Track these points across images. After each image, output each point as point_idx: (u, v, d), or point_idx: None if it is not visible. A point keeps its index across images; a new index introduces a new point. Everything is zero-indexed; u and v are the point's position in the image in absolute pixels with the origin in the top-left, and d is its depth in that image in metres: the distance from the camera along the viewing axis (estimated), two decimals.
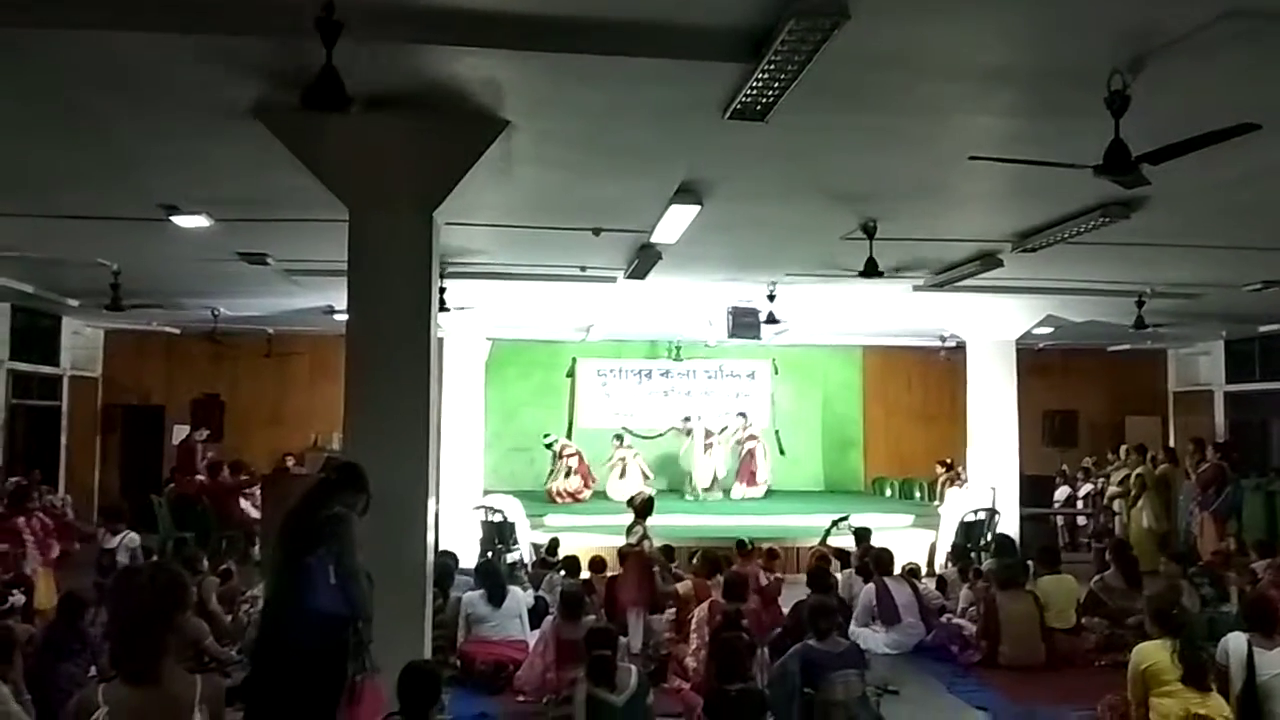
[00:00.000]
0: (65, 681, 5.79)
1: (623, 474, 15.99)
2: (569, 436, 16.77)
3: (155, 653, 2.38)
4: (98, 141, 5.74)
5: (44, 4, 3.90)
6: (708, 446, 16.28)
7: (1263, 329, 13.88)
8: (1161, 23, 3.88)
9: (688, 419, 16.65)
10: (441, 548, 8.49)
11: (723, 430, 16.58)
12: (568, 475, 15.84)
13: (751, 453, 16.49)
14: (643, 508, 8.50)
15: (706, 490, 16.01)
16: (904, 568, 9.56)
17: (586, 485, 16.03)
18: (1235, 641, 5.67)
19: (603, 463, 16.28)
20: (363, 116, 4.58)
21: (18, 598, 7.37)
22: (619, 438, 16.52)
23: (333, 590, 4.67)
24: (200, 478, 13.22)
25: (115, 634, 2.52)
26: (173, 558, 10.41)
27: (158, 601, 2.42)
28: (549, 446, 16.17)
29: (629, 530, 8.43)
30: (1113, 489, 14.11)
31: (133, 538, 9.18)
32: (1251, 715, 5.45)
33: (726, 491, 16.21)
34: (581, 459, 16.12)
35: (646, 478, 16.02)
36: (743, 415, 16.93)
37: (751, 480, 16.37)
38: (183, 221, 7.41)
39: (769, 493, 16.36)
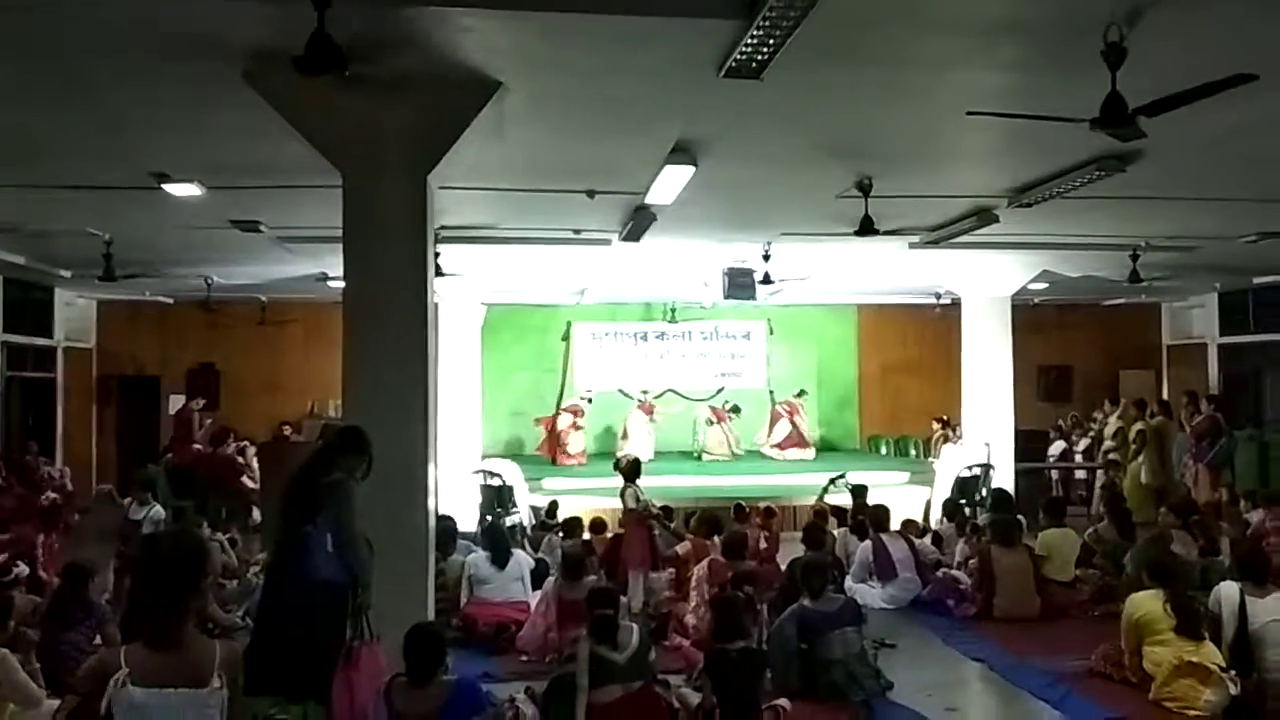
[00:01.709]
0: (71, 650, 5.84)
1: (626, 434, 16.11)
2: (561, 401, 16.78)
3: (177, 618, 2.43)
4: (87, 109, 5.69)
5: None
6: (714, 422, 16.42)
7: (1256, 281, 13.91)
8: None
9: (726, 403, 16.83)
10: (440, 512, 8.54)
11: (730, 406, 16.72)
12: (573, 429, 15.91)
13: (794, 421, 16.66)
14: (629, 470, 8.55)
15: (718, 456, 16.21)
16: (902, 523, 9.66)
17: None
18: (1227, 590, 5.75)
19: (600, 429, 16.37)
20: (355, 81, 4.53)
21: (21, 568, 7.41)
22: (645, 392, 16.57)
23: (330, 557, 4.70)
24: (197, 446, 13.26)
25: (138, 599, 2.58)
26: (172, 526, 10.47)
27: (181, 568, 2.47)
28: (589, 401, 16.41)
29: (622, 494, 8.49)
30: (1108, 443, 14.22)
31: (159, 510, 9.15)
32: (1244, 662, 5.55)
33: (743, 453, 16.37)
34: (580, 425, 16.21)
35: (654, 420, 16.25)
36: (804, 392, 17.01)
37: (802, 443, 16.55)
38: (174, 190, 7.36)
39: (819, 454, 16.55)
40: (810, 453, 16.51)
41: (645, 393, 16.65)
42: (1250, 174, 7.38)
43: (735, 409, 16.73)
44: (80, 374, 15.50)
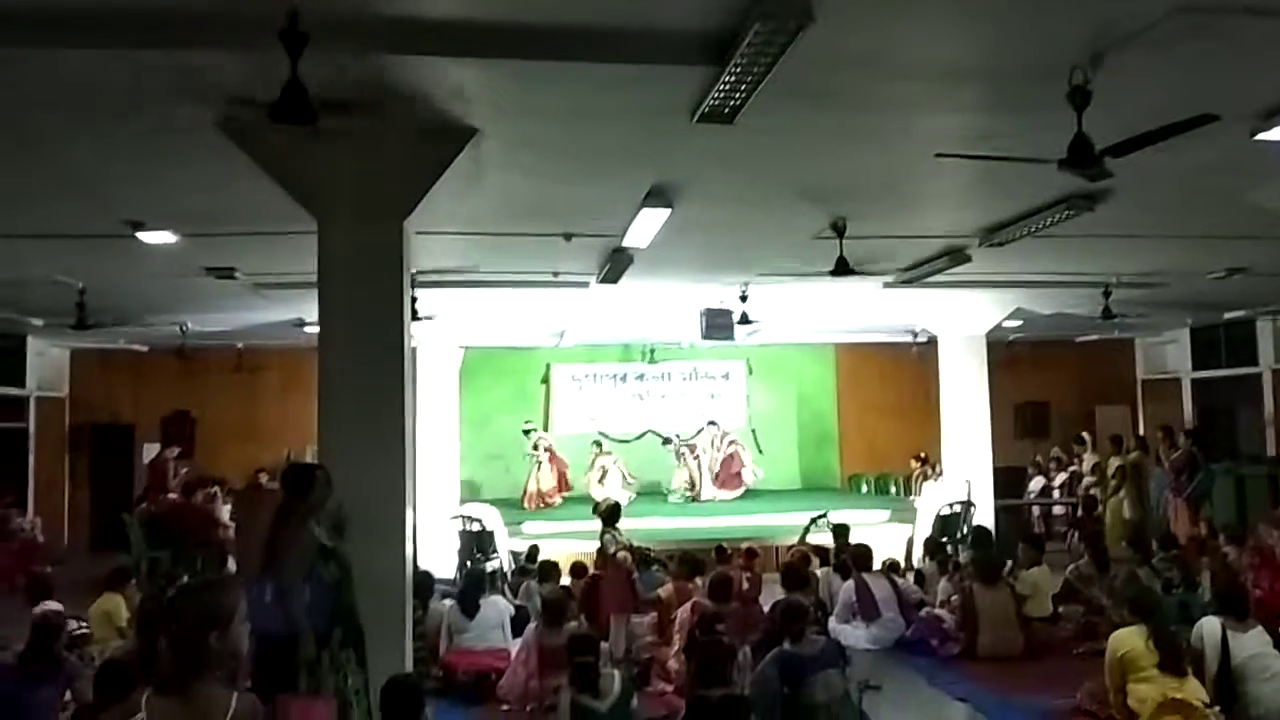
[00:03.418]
0: (39, 707, 5.70)
1: (602, 479, 15.88)
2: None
3: (185, 668, 2.51)
4: (61, 159, 5.66)
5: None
6: (682, 456, 16.37)
7: (1227, 316, 14.09)
8: (1119, 17, 3.94)
9: (668, 441, 16.71)
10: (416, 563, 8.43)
11: (693, 437, 16.61)
12: (539, 467, 15.78)
13: (731, 456, 16.53)
14: (608, 514, 8.51)
15: (689, 495, 16.10)
16: (884, 563, 9.63)
17: (561, 487, 15.97)
18: (1209, 625, 5.75)
19: (583, 471, 16.27)
20: (330, 128, 4.55)
21: None
22: (598, 444, 16.46)
23: (267, 609, 4.52)
24: (173, 496, 13.08)
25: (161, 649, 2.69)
26: (147, 577, 10.31)
27: (190, 618, 2.56)
28: (527, 434, 16.14)
29: (601, 538, 8.45)
30: (1088, 479, 14.28)
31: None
32: (1227, 697, 5.53)
33: (695, 499, 16.25)
34: (554, 454, 16.07)
35: (629, 482, 15.98)
36: (714, 424, 16.84)
37: (735, 483, 16.36)
38: (149, 238, 7.33)
39: (747, 493, 16.36)
40: (738, 491, 16.27)
41: (600, 437, 16.41)
42: (1217, 211, 7.50)
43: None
44: (53, 423, 15.29)
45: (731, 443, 16.62)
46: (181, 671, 2.50)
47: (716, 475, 16.37)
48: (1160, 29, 3.95)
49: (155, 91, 4.54)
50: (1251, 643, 5.62)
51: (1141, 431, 15.69)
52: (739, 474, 16.43)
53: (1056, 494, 15.49)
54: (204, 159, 5.41)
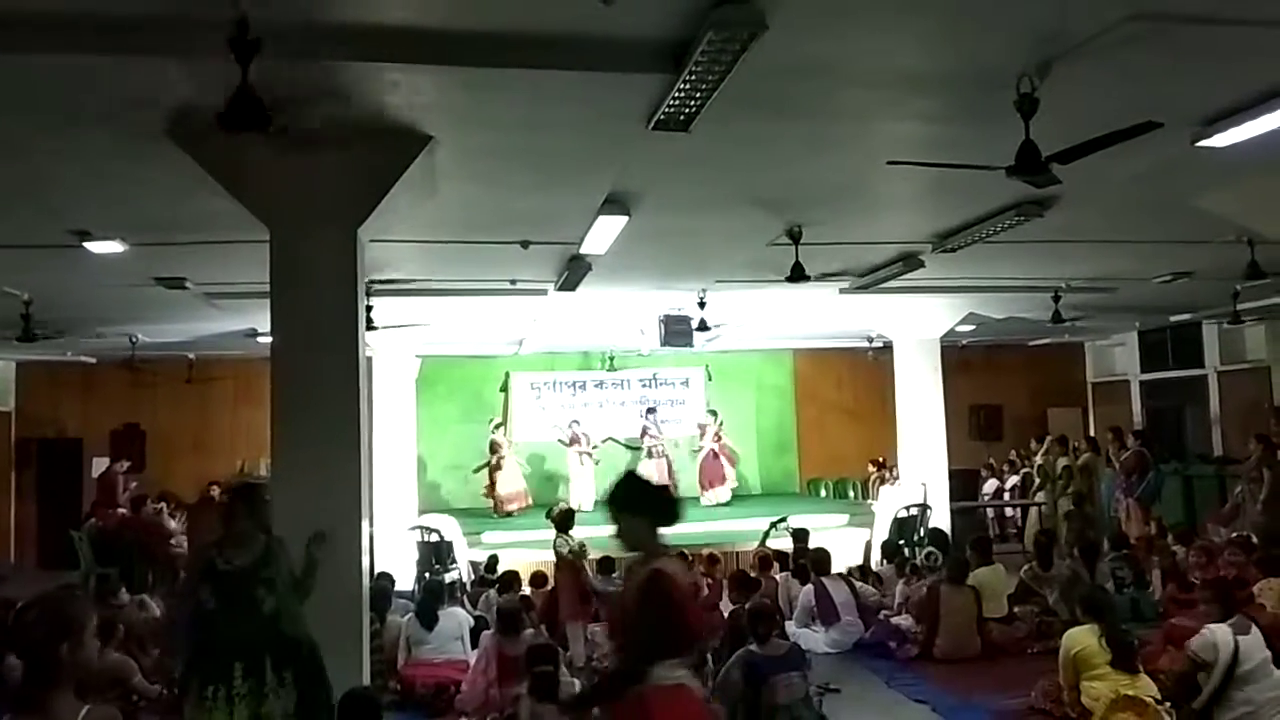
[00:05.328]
0: None
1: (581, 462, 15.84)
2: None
3: (37, 682, 2.40)
4: (4, 167, 5.54)
5: None
6: (650, 453, 16.33)
7: (1173, 319, 14.40)
8: (1067, 26, 4.01)
9: (645, 431, 16.65)
10: (377, 570, 8.36)
11: (657, 434, 16.60)
12: (498, 469, 15.61)
13: (714, 454, 16.48)
14: (561, 520, 8.49)
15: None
16: (848, 569, 9.69)
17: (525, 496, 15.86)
18: (1223, 634, 5.47)
19: (537, 482, 16.19)
20: (281, 136, 4.49)
21: None
22: (565, 441, 16.34)
23: None
24: (122, 510, 12.83)
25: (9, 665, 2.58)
26: (95, 593, 10.06)
27: (39, 634, 2.44)
28: (498, 428, 15.95)
29: (554, 545, 8.43)
30: (1038, 480, 14.50)
31: None
32: (1191, 696, 5.54)
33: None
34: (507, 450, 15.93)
35: (596, 462, 15.89)
36: (713, 413, 16.89)
37: (721, 481, 16.28)
38: (96, 247, 7.19)
39: (735, 497, 16.29)
40: (726, 493, 16.20)
41: (575, 424, 16.32)
42: (1161, 217, 7.67)
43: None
44: None
45: (718, 437, 16.62)
46: (33, 685, 2.39)
47: (702, 476, 16.27)
48: (1109, 36, 4.03)
49: (103, 98, 4.46)
50: (1254, 648, 5.41)
51: (1092, 433, 15.97)
52: (723, 475, 16.32)
53: (1008, 496, 15.71)
54: (153, 167, 5.32)
